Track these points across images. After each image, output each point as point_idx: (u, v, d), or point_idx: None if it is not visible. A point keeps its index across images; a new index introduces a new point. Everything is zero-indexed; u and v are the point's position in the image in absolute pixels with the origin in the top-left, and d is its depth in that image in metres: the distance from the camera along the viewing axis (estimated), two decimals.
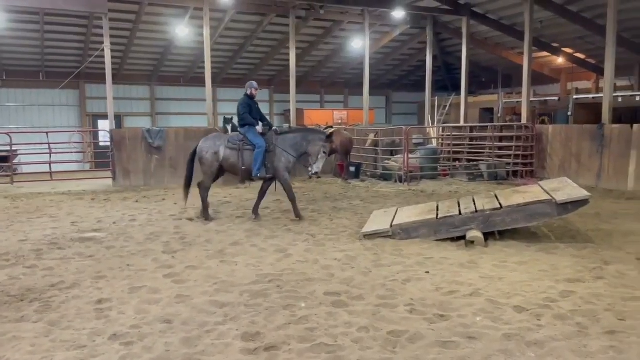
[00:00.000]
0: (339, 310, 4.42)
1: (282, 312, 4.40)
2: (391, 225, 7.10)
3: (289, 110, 17.59)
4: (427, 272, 5.51)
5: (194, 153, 8.92)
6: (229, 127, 13.21)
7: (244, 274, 5.55)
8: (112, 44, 14.07)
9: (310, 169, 8.56)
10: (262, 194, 8.97)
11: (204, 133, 14.09)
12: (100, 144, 17.93)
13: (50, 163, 12.89)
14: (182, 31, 16.61)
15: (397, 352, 3.64)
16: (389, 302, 4.63)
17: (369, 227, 7.37)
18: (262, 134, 8.62)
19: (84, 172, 15.06)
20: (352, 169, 14.55)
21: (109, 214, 9.38)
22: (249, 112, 8.70)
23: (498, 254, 6.20)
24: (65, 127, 18.86)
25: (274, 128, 8.88)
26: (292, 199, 8.62)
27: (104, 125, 16.71)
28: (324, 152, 8.48)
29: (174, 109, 22.15)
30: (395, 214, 7.75)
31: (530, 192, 7.22)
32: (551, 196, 6.65)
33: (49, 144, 12.96)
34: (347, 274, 5.49)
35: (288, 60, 16.68)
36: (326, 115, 22.39)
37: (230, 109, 22.59)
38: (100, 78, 15.56)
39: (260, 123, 8.78)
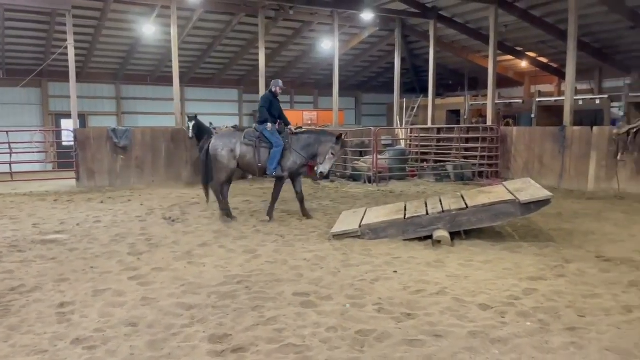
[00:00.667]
0: (308, 311, 4.42)
1: (251, 313, 4.37)
2: (360, 226, 7.14)
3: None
4: (395, 272, 5.57)
5: (207, 151, 8.76)
6: (191, 125, 12.97)
7: (211, 275, 5.49)
8: (76, 41, 13.74)
9: (316, 168, 8.53)
10: (299, 196, 8.86)
11: (172, 133, 13.97)
12: (64, 143, 17.45)
13: (10, 163, 12.47)
14: (149, 29, 16.33)
15: (364, 351, 3.66)
16: (357, 301, 4.65)
17: (338, 228, 7.40)
18: (279, 132, 8.56)
19: (47, 173, 14.67)
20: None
21: (72, 216, 9.14)
22: (269, 108, 8.62)
23: (464, 253, 6.31)
24: (27, 126, 18.27)
25: (289, 127, 8.80)
26: (274, 198, 8.67)
27: (68, 125, 16.27)
28: (332, 154, 8.39)
29: (141, 109, 21.73)
30: (364, 214, 7.80)
31: (494, 193, 7.37)
32: (515, 196, 6.82)
33: (9, 143, 12.55)
34: (316, 274, 5.49)
35: (257, 60, 16.59)
36: (296, 116, 22.30)
37: (199, 108, 22.35)
38: (63, 76, 15.16)
39: (277, 121, 8.74)
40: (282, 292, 4.89)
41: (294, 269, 5.72)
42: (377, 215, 7.56)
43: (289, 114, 24.49)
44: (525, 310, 4.36)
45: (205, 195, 8.98)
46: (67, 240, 7.22)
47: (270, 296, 4.79)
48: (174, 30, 14.20)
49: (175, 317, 4.33)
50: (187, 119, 13.36)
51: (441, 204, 7.29)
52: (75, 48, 13.60)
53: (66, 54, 13.16)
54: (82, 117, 18.91)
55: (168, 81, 16.28)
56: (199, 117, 13.53)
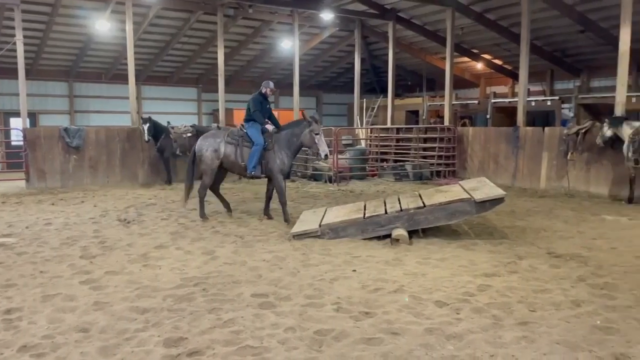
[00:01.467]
0: (266, 312, 4.39)
1: (208, 316, 4.30)
2: (320, 225, 7.15)
3: (217, 110, 17.27)
4: (354, 271, 5.59)
5: (194, 153, 8.61)
6: (146, 128, 12.69)
7: (168, 278, 5.38)
8: (25, 37, 13.20)
9: (317, 157, 8.45)
10: (268, 194, 8.78)
11: (127, 132, 13.61)
12: (13, 143, 16.76)
13: None
14: (103, 25, 15.84)
15: (322, 350, 3.66)
16: (316, 301, 4.65)
17: (298, 228, 7.38)
18: (263, 132, 8.39)
19: None
20: None
21: (21, 218, 8.78)
22: (259, 110, 8.44)
23: (421, 251, 6.41)
24: None
25: (272, 128, 8.59)
26: (283, 202, 8.37)
27: (17, 124, 15.62)
28: (317, 134, 8.09)
29: (95, 107, 21.10)
30: (324, 214, 7.81)
31: (451, 192, 7.52)
32: (470, 195, 6.97)
33: None
34: (275, 275, 5.46)
35: (216, 58, 16.37)
36: None
37: (156, 107, 21.97)
38: (12, 73, 14.56)
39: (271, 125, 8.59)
40: (241, 294, 4.84)
41: (253, 269, 5.66)
42: (336, 214, 7.58)
43: None
44: (479, 307, 4.45)
45: (185, 198, 8.79)
46: (16, 243, 6.92)
47: (228, 298, 4.73)
48: (129, 27, 13.83)
49: (128, 321, 4.21)
50: (141, 121, 13.03)
51: (400, 203, 7.38)
52: (25, 44, 13.07)
53: (15, 50, 12.62)
54: (32, 116, 18.23)
55: (123, 79, 15.87)
56: (155, 117, 13.26)
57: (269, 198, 8.78)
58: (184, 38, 19.16)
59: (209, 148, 8.46)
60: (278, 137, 8.40)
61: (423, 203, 7.11)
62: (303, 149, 8.79)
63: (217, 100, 16.73)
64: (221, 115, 16.22)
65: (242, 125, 8.57)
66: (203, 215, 8.52)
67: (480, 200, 6.83)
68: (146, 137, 12.77)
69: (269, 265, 5.82)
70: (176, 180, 13.66)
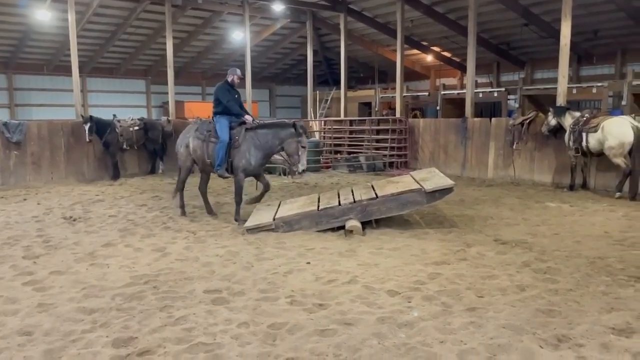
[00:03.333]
0: (219, 308, 4.34)
1: (158, 314, 4.20)
2: (274, 219, 7.12)
3: (167, 103, 16.86)
4: (308, 263, 5.61)
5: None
6: (87, 127, 12.21)
7: (116, 276, 5.22)
8: None
9: (295, 168, 7.63)
10: (264, 186, 8.09)
11: (72, 126, 13.08)
12: None
13: None
14: (43, 15, 15.13)
15: (276, 344, 3.65)
16: (270, 295, 4.64)
17: (251, 221, 7.32)
18: (231, 128, 7.75)
19: None
20: None
21: None
22: (232, 100, 7.86)
23: (374, 242, 6.50)
24: None
25: (247, 122, 7.85)
26: (237, 201, 7.86)
27: None
28: (303, 147, 7.45)
29: (37, 100, 20.21)
30: (278, 207, 7.79)
31: (402, 182, 7.65)
32: (421, 185, 7.11)
33: None
34: (229, 270, 5.40)
35: (165, 50, 15.96)
36: (208, 108, 21.64)
37: (102, 100, 21.26)
38: None
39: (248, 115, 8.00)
40: (193, 290, 4.76)
41: (206, 265, 5.58)
42: (290, 207, 7.57)
43: (200, 106, 24.04)
44: (429, 294, 4.56)
45: (175, 191, 8.50)
46: None
47: (180, 295, 4.64)
48: (71, 16, 13.25)
49: (75, 322, 4.07)
50: (82, 120, 12.50)
51: (353, 194, 7.44)
52: None
53: None
54: None
55: (67, 71, 15.20)
56: (102, 110, 12.81)
57: (265, 192, 8.09)
58: (130, 28, 18.57)
59: (182, 144, 8.09)
60: (253, 135, 7.65)
61: (375, 194, 7.20)
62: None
63: (167, 93, 16.33)
64: (171, 107, 15.84)
65: (212, 118, 8.02)
66: (181, 212, 8.27)
67: (430, 190, 6.98)
68: (87, 138, 12.28)
69: (222, 261, 5.75)
70: (125, 175, 13.29)
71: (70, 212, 8.64)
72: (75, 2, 13.59)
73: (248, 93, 17.86)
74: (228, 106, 7.83)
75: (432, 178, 7.49)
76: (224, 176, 7.88)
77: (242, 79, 8.53)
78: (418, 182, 7.30)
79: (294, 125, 7.52)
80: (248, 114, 8.08)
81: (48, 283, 5.04)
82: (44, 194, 10.73)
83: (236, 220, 7.84)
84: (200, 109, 21.22)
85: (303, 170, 7.72)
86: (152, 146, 13.83)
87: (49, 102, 20.21)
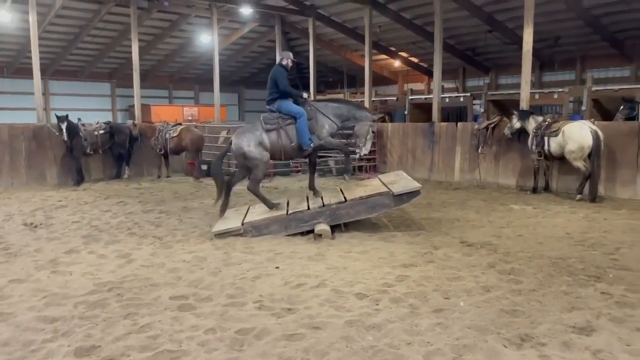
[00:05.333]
0: (186, 314, 4.27)
1: (122, 321, 4.11)
2: (242, 223, 7.07)
3: (133, 106, 16.56)
4: (277, 267, 5.58)
5: (223, 155, 7.98)
6: (64, 127, 11.93)
7: (79, 284, 5.08)
8: None
9: (358, 150, 7.69)
10: (312, 167, 8.12)
11: (33, 130, 12.69)
12: None
13: None
14: (3, 16, 14.68)
15: (244, 350, 3.62)
16: (237, 300, 4.59)
17: (220, 226, 7.25)
18: (296, 103, 7.62)
19: None
20: (204, 167, 14.20)
21: None
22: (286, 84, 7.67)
23: (343, 245, 6.51)
24: None
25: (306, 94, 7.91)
26: (347, 152, 7.87)
27: None
28: (373, 132, 7.65)
29: None
30: (247, 211, 7.73)
31: (370, 186, 7.70)
32: (388, 188, 7.18)
33: None
34: (196, 276, 5.33)
35: (131, 52, 15.68)
36: (175, 112, 21.55)
37: (65, 103, 20.72)
38: None
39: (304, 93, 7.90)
40: (158, 297, 4.67)
41: (172, 271, 5.49)
42: (259, 212, 7.53)
43: (167, 110, 23.70)
44: (397, 297, 4.60)
45: (218, 196, 7.97)
46: None
47: (145, 302, 4.55)
48: (32, 17, 12.88)
49: (35, 332, 3.94)
50: (57, 120, 12.15)
51: (322, 198, 7.45)
52: None
53: None
54: None
55: (28, 73, 14.76)
56: (64, 114, 12.45)
57: (313, 171, 8.11)
58: (94, 31, 18.21)
59: (251, 143, 7.58)
60: (326, 105, 7.72)
61: (344, 198, 7.23)
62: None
63: (133, 96, 16.03)
64: (137, 111, 15.56)
65: (269, 108, 7.76)
66: (272, 205, 7.61)
67: (398, 193, 7.05)
68: (65, 137, 11.96)
69: (189, 266, 5.67)
70: (89, 180, 12.97)
71: (32, 219, 8.38)
72: (37, 4, 13.24)
73: (216, 97, 17.75)
74: (288, 91, 7.72)
75: (400, 181, 7.57)
76: (318, 148, 7.66)
77: (295, 62, 8.39)
78: (386, 185, 7.37)
79: (372, 112, 7.58)
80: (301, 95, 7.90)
81: (7, 292, 4.87)
82: (4, 200, 10.38)
83: (347, 171, 7.99)
84: (168, 112, 20.94)
85: (364, 154, 7.80)
86: (119, 151, 13.50)
87: (9, 105, 19.60)
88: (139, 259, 5.96)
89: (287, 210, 7.23)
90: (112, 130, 13.22)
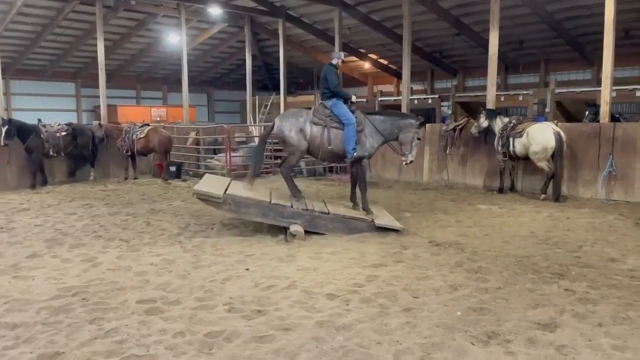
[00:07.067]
0: (153, 318, 4.19)
1: (88, 327, 4.01)
2: (225, 193, 6.96)
3: (99, 106, 16.19)
4: (247, 269, 5.54)
5: (265, 136, 7.89)
6: (4, 130, 11.37)
7: (42, 289, 4.94)
8: None
9: (404, 158, 7.70)
10: (352, 178, 7.94)
11: None
12: None
13: None
14: None
15: (213, 353, 3.58)
16: (207, 303, 4.54)
17: (201, 187, 7.14)
18: (351, 111, 7.52)
19: None
20: (173, 168, 14.01)
21: None
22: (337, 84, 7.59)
23: (314, 246, 6.52)
24: None
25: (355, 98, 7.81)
26: (363, 189, 7.62)
27: None
28: (418, 139, 7.66)
29: None
30: (229, 184, 7.64)
31: (357, 209, 7.66)
32: (372, 219, 7.24)
33: None
34: (164, 279, 5.24)
35: (96, 51, 15.33)
36: (143, 112, 21.17)
37: (28, 103, 20.12)
38: None
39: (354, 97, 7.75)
40: (125, 301, 4.58)
41: (139, 274, 5.39)
42: (242, 189, 7.44)
43: (134, 110, 23.32)
44: (367, 297, 4.63)
45: (249, 181, 7.74)
46: None
47: (111, 306, 4.45)
48: None
49: None
50: (1, 121, 11.65)
51: (306, 203, 7.41)
52: None
53: None
54: None
55: None
56: (28, 114, 12.08)
57: (354, 183, 7.91)
58: (58, 29, 17.74)
59: (292, 128, 7.43)
60: (373, 119, 7.63)
61: (327, 210, 7.24)
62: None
63: (99, 96, 15.67)
64: (103, 112, 15.24)
65: (324, 102, 7.63)
66: (298, 194, 7.50)
67: (380, 226, 7.14)
68: (3, 142, 11.44)
69: (157, 269, 5.58)
70: (54, 183, 12.62)
71: None
72: None
73: (185, 97, 17.54)
74: (338, 90, 7.65)
75: (383, 217, 7.58)
76: (361, 157, 7.50)
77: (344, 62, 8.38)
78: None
79: (421, 122, 7.69)
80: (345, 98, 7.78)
81: None
82: None
83: (365, 210, 7.52)
84: (135, 113, 20.56)
85: (411, 162, 7.78)
86: (82, 153, 13.10)
87: None
88: (105, 263, 5.83)
89: (270, 199, 7.18)
90: (74, 132, 12.80)
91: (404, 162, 7.88)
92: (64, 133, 12.46)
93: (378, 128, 7.57)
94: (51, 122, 12.73)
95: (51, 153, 12.28)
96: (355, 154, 7.41)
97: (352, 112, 7.54)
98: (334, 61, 7.83)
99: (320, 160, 8.44)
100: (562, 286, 4.88)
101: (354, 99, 7.73)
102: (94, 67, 17.02)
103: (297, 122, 7.49)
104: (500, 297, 4.61)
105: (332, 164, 14.84)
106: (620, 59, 12.72)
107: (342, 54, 8.16)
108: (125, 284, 5.05)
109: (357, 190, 7.82)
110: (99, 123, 14.18)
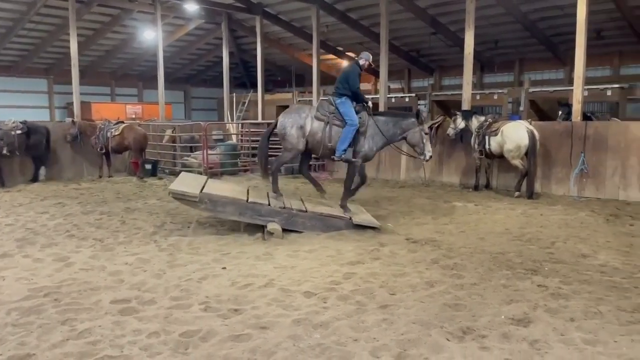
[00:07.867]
0: (128, 318, 4.13)
1: (60, 328, 3.93)
2: (201, 192, 6.88)
3: (72, 103, 15.87)
4: (224, 268, 5.50)
5: (269, 132, 7.71)
6: None
7: (13, 289, 4.82)
8: None
9: (422, 157, 7.55)
10: (360, 178, 7.76)
11: None
12: None
13: None
14: None
15: (189, 352, 3.54)
16: (182, 302, 4.49)
17: (177, 186, 7.03)
18: (356, 111, 7.40)
19: None
20: (148, 166, 13.82)
21: None
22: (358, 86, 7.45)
23: (291, 244, 6.50)
24: None
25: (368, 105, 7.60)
26: (347, 187, 7.56)
27: None
28: (426, 133, 7.47)
29: None
30: (206, 182, 7.56)
31: (332, 206, 7.64)
32: (350, 216, 7.24)
33: None
34: (139, 278, 5.16)
35: (69, 47, 15.01)
36: (118, 110, 20.85)
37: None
38: None
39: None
40: (99, 301, 4.50)
41: (114, 274, 5.30)
42: (219, 188, 7.37)
43: (109, 107, 22.96)
44: (344, 294, 4.64)
45: (263, 175, 7.89)
46: None
47: (84, 307, 4.37)
48: None
49: None
50: None
51: (284, 201, 7.38)
52: None
53: None
54: None
55: None
56: None
57: (361, 183, 7.89)
58: (30, 24, 17.32)
59: (294, 125, 7.39)
60: (377, 121, 7.47)
61: (305, 208, 7.22)
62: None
63: (72, 93, 15.34)
64: (76, 109, 14.92)
65: (332, 98, 7.51)
66: (277, 191, 7.51)
67: (358, 224, 7.13)
68: None
69: (131, 269, 5.49)
70: (24, 182, 12.30)
71: None
72: None
73: (160, 94, 17.30)
74: (358, 93, 7.48)
75: (360, 214, 7.58)
76: (349, 160, 7.43)
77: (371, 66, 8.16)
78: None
79: (416, 114, 7.50)
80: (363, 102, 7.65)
81: None
82: None
83: (342, 207, 7.46)
84: (110, 110, 20.24)
85: (430, 157, 7.60)
86: (33, 152, 12.27)
87: None
88: (78, 262, 5.72)
89: (247, 198, 7.13)
90: (29, 131, 12.04)
91: (423, 160, 7.85)
92: (18, 131, 11.72)
93: (381, 129, 7.47)
94: (5, 119, 12.10)
95: (4, 152, 11.57)
96: (344, 155, 7.38)
97: (357, 112, 7.45)
98: (361, 62, 7.66)
99: (320, 157, 8.30)
100: (536, 282, 4.96)
101: (370, 104, 7.67)
102: (67, 63, 16.63)
103: (299, 119, 7.47)
104: (476, 293, 4.66)
105: (310, 163, 14.87)
106: (592, 59, 13.04)
107: (370, 56, 7.78)
108: (99, 284, 4.96)
109: (358, 187, 7.88)
110: (72, 120, 13.89)
